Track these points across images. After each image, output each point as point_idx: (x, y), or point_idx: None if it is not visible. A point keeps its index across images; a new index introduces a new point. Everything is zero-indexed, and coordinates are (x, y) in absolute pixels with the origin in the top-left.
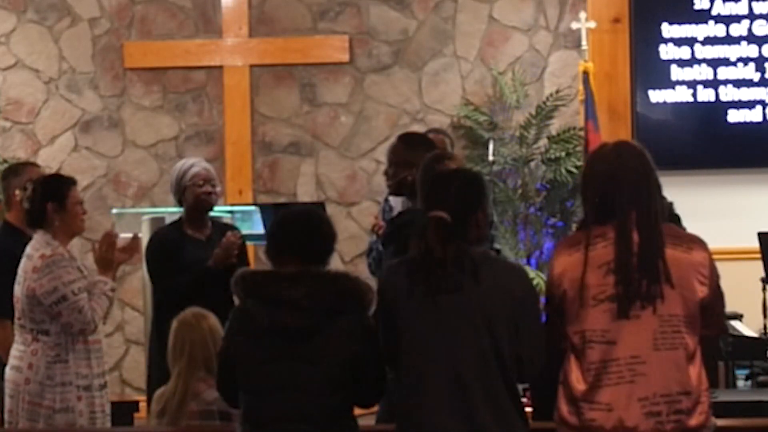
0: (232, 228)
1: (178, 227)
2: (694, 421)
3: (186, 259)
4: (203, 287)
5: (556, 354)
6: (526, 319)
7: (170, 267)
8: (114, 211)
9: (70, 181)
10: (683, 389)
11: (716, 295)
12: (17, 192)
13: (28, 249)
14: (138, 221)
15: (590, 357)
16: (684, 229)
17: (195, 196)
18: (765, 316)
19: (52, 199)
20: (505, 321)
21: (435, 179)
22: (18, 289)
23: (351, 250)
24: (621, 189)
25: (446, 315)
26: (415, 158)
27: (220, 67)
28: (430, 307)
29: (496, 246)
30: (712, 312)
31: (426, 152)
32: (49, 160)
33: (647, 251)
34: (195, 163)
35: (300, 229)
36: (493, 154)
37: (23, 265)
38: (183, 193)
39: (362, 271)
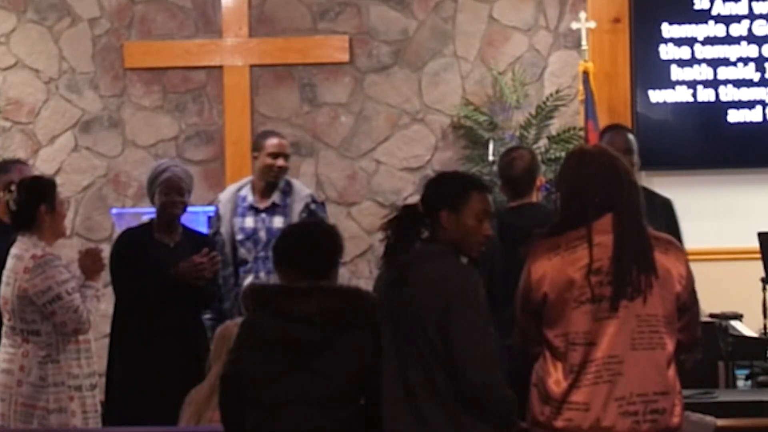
0: (206, 242)
1: (147, 229)
2: (670, 422)
3: (149, 263)
4: (165, 295)
5: (524, 358)
6: (453, 328)
7: (131, 268)
8: (114, 211)
9: (54, 183)
10: (660, 389)
11: (692, 297)
12: (1, 193)
13: (15, 250)
14: (138, 221)
15: (572, 359)
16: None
17: (160, 204)
18: (765, 316)
19: (43, 200)
20: (435, 326)
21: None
22: (7, 291)
23: (351, 251)
24: (585, 195)
25: (394, 313)
26: None
27: (220, 67)
28: (386, 305)
29: None
30: (689, 314)
31: None
32: (49, 160)
33: (620, 255)
34: (169, 167)
35: (299, 243)
36: (493, 154)
37: (12, 266)
38: (154, 196)
39: (362, 270)
